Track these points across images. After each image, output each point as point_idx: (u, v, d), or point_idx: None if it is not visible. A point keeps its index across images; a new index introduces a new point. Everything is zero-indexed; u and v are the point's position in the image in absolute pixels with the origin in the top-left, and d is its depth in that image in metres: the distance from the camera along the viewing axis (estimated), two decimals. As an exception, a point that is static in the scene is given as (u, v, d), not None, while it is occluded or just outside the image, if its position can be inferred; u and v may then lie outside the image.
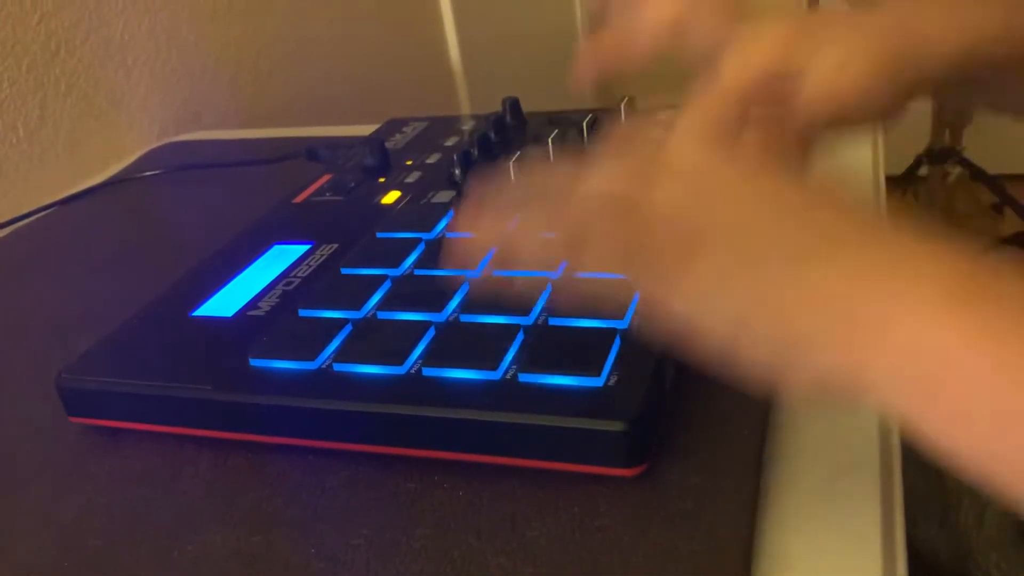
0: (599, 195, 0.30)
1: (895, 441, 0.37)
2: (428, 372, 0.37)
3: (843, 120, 0.37)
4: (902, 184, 1.89)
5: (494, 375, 0.36)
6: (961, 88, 0.41)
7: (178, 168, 0.78)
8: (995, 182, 1.86)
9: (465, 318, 0.40)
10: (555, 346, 0.37)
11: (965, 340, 0.24)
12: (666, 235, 0.28)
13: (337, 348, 0.39)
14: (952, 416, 0.24)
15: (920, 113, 1.95)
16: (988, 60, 0.38)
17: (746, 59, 0.38)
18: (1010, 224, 1.88)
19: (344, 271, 0.46)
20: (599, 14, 0.45)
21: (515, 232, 0.31)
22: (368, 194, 0.56)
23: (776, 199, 0.29)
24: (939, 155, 1.81)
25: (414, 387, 0.36)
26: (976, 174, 1.85)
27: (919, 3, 0.38)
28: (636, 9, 0.41)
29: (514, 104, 0.63)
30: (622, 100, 0.57)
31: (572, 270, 0.30)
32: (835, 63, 0.37)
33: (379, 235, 0.49)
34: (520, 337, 0.38)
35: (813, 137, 0.37)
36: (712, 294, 0.28)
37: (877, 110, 0.38)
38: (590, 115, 0.59)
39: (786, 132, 0.37)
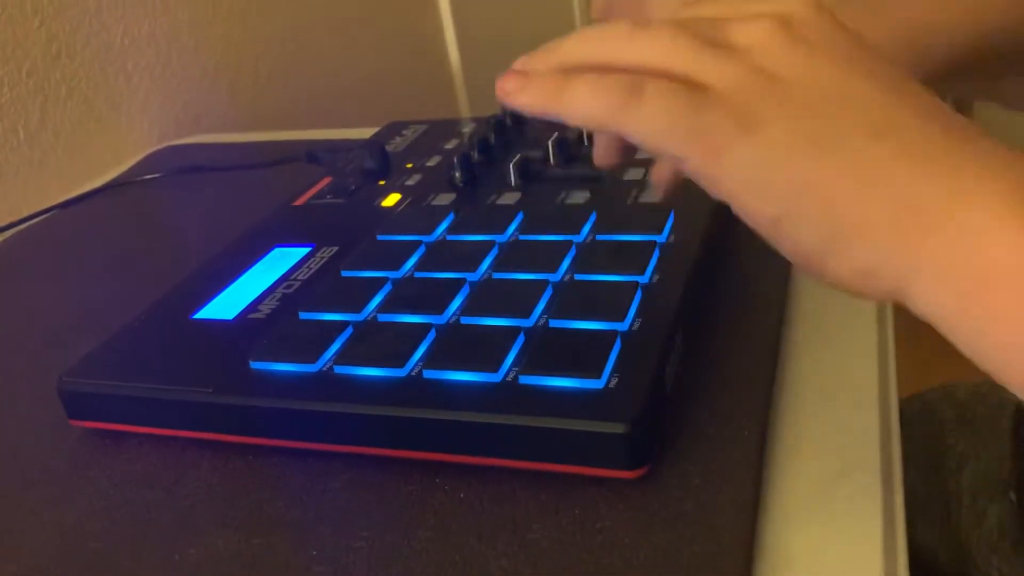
0: (667, 44, 0.28)
1: (896, 443, 0.37)
2: (429, 374, 0.37)
3: None
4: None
5: (495, 377, 0.36)
6: (965, 78, 0.41)
7: (178, 171, 0.78)
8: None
9: (466, 320, 0.40)
10: (556, 348, 0.37)
11: (1019, 244, 0.24)
12: (727, 99, 0.27)
13: (338, 351, 0.39)
14: (996, 314, 0.24)
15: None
16: (994, 49, 0.38)
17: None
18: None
19: (345, 274, 0.46)
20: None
21: (569, 72, 0.29)
22: (368, 197, 0.56)
23: (873, 69, 0.28)
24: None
25: (415, 389, 0.36)
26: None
27: None
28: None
29: (514, 107, 0.63)
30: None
31: (620, 128, 0.27)
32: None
33: (379, 238, 0.49)
34: (521, 339, 0.38)
35: None
36: (769, 168, 0.26)
37: None
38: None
39: None
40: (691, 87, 0.27)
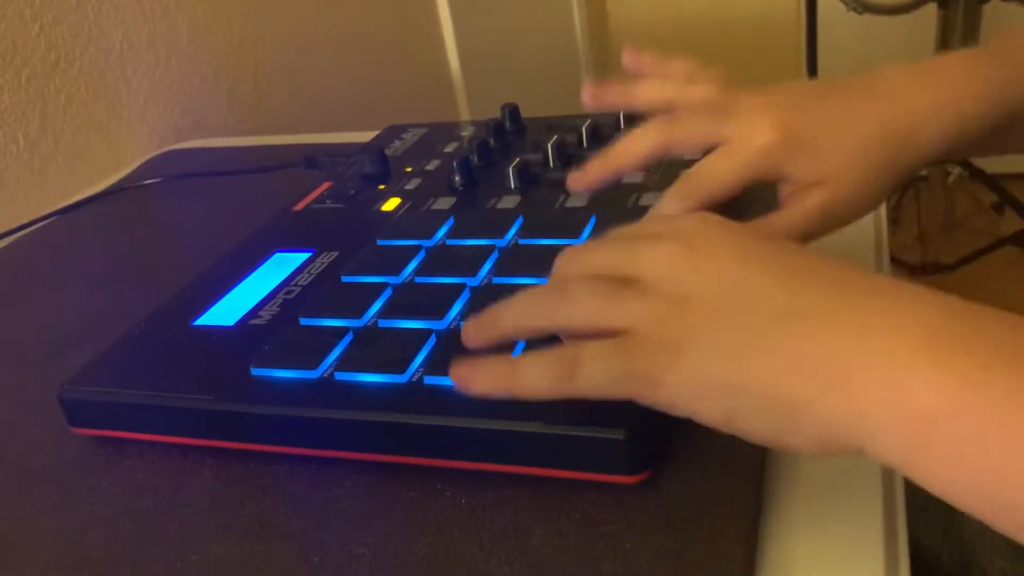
0: (586, 304, 0.31)
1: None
2: (430, 380, 0.37)
3: (828, 228, 0.40)
4: (902, 184, 1.89)
5: (495, 383, 0.36)
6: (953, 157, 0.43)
7: (178, 177, 0.78)
8: (995, 181, 1.87)
9: (466, 326, 0.40)
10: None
11: (948, 385, 0.25)
12: (649, 337, 0.30)
13: (338, 357, 0.39)
14: (944, 458, 0.25)
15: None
16: (976, 135, 0.40)
17: (731, 164, 0.40)
18: (1011, 223, 1.88)
19: (345, 279, 0.46)
20: (594, 109, 0.47)
21: (517, 360, 0.32)
22: (368, 201, 0.56)
23: (763, 257, 0.30)
24: (939, 156, 1.80)
25: (416, 395, 0.36)
26: (976, 174, 1.85)
27: (904, 81, 0.41)
28: (619, 143, 0.43)
29: (513, 110, 0.63)
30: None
31: (571, 394, 0.31)
32: (827, 166, 0.39)
33: (380, 242, 0.49)
34: (521, 345, 0.38)
35: (792, 230, 0.40)
36: (702, 384, 0.29)
37: (861, 212, 0.41)
38: (588, 121, 0.59)
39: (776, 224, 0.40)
40: (616, 340, 0.30)
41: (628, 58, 0.47)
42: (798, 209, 0.40)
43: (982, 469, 0.24)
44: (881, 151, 0.39)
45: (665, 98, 0.44)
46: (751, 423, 0.29)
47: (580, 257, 0.34)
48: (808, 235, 0.40)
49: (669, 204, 0.40)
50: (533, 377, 0.31)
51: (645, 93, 0.45)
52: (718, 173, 0.40)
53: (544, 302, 0.33)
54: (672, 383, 0.29)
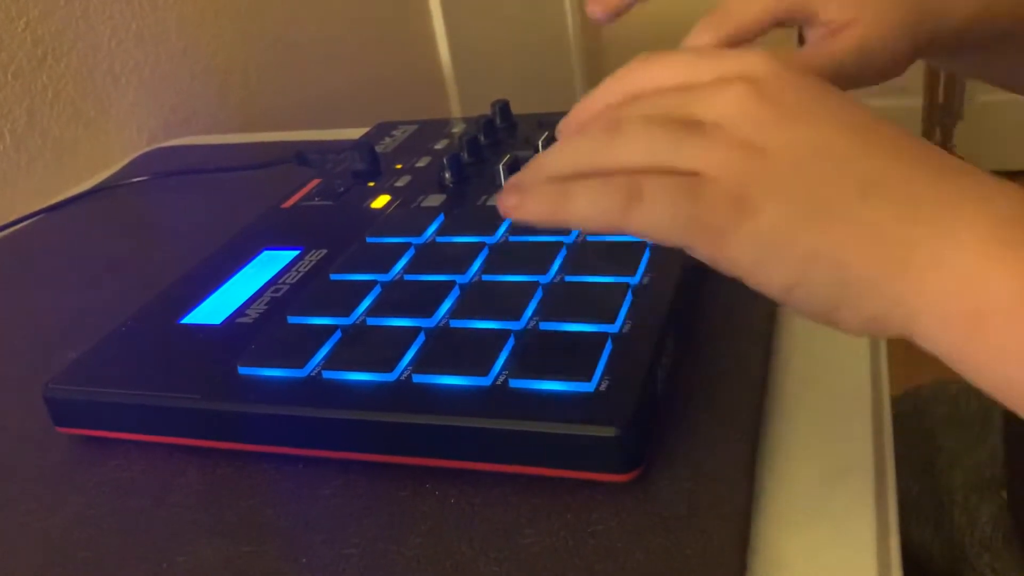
0: (647, 142, 0.29)
1: (889, 443, 0.37)
2: (418, 379, 0.36)
3: (860, 75, 0.38)
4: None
5: (485, 381, 0.35)
6: (968, 54, 0.41)
7: (166, 174, 0.77)
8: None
9: (455, 323, 0.39)
10: (546, 351, 0.36)
11: (1009, 278, 0.24)
12: (721, 184, 0.27)
13: (326, 355, 0.39)
14: (994, 351, 0.25)
15: (910, 112, 1.96)
16: (996, 21, 0.39)
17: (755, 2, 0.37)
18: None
19: (333, 277, 0.45)
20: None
21: (570, 184, 0.29)
22: (358, 198, 0.56)
23: (850, 121, 0.28)
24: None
25: (404, 394, 0.36)
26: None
27: None
28: None
29: (504, 107, 0.63)
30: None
31: (625, 230, 0.28)
32: (856, 7, 0.37)
33: (369, 240, 0.49)
34: (511, 342, 0.37)
35: (841, 76, 0.37)
36: (774, 245, 0.27)
37: (891, 65, 0.39)
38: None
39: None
40: (684, 178, 0.27)
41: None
42: (832, 46, 0.37)
43: None
44: (911, 5, 0.38)
45: None
46: (813, 295, 0.27)
47: (648, 65, 0.31)
48: (841, 75, 0.37)
49: (699, 35, 0.38)
50: (588, 205, 0.28)
51: None
52: (747, 9, 0.38)
53: (596, 142, 0.29)
54: (740, 240, 0.27)
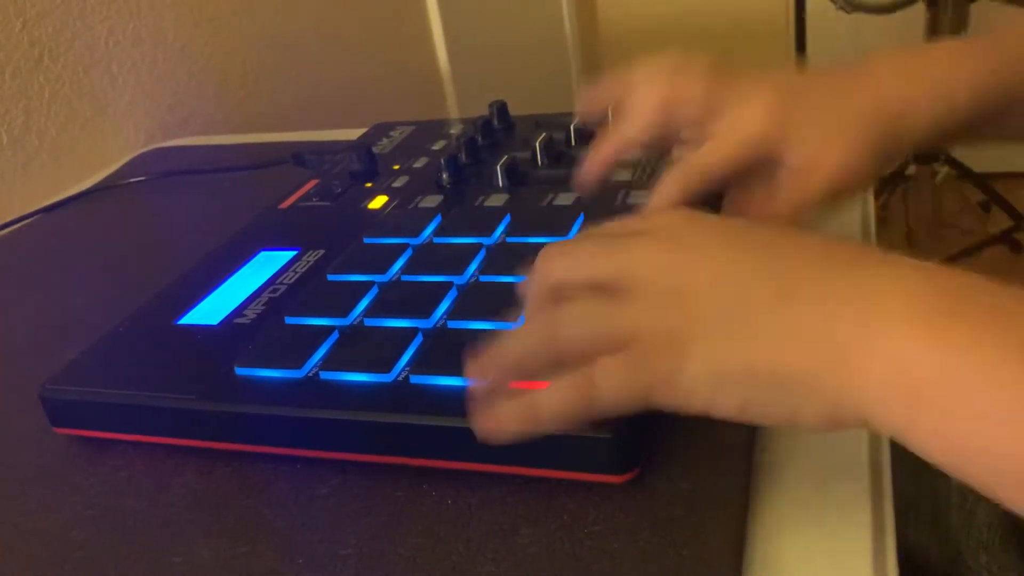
0: (583, 319, 0.31)
1: (885, 444, 0.37)
2: (415, 379, 0.36)
3: (830, 195, 0.40)
4: (890, 184, 1.90)
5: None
6: (945, 141, 0.43)
7: (164, 174, 0.77)
8: (982, 180, 1.87)
9: (453, 324, 0.39)
10: (543, 352, 0.36)
11: (941, 354, 0.25)
12: (654, 342, 0.30)
13: (324, 356, 0.39)
14: (939, 424, 0.26)
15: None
16: (968, 118, 0.40)
17: (728, 138, 0.40)
18: (997, 222, 1.89)
19: (331, 277, 0.45)
20: (588, 115, 0.47)
21: (532, 397, 0.32)
22: (355, 199, 0.56)
23: (750, 242, 0.31)
24: (926, 154, 1.82)
25: (402, 395, 0.36)
26: (963, 173, 1.86)
27: (894, 64, 0.41)
28: (625, 99, 0.43)
29: (501, 108, 0.63)
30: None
31: (592, 412, 0.31)
32: (822, 147, 0.40)
33: (366, 240, 0.49)
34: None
35: (797, 212, 0.40)
36: (716, 374, 0.29)
37: (861, 182, 0.41)
38: (577, 118, 0.58)
39: (767, 204, 0.41)
40: (625, 347, 0.30)
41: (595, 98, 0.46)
42: (798, 192, 0.40)
43: (973, 438, 0.25)
44: (873, 130, 0.40)
45: (660, 96, 0.44)
46: (765, 408, 0.29)
47: (561, 258, 0.33)
48: (810, 215, 0.40)
49: (667, 190, 0.40)
50: (554, 408, 0.31)
51: (640, 96, 0.44)
52: (712, 160, 0.40)
53: (539, 333, 0.32)
54: (688, 380, 0.29)
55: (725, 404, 0.29)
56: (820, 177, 0.40)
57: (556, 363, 0.31)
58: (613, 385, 0.30)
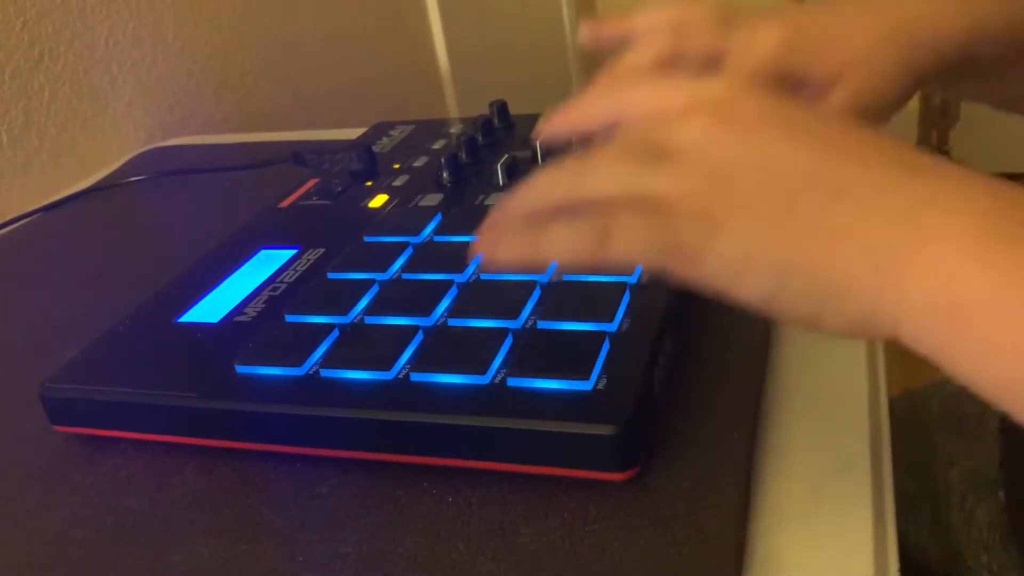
0: (616, 172, 0.29)
1: (886, 443, 0.37)
2: (416, 377, 0.36)
3: (863, 111, 0.38)
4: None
5: (483, 380, 0.35)
6: (959, 77, 0.41)
7: (164, 173, 0.77)
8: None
9: (453, 322, 0.39)
10: (544, 350, 0.36)
11: (994, 275, 0.24)
12: (687, 210, 0.28)
13: (324, 354, 0.39)
14: (979, 347, 0.25)
15: (906, 114, 1.96)
16: (989, 44, 0.39)
17: (743, 60, 0.38)
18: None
19: (331, 276, 0.45)
20: (592, 43, 0.44)
21: (543, 231, 0.30)
22: (355, 198, 0.56)
23: (814, 134, 0.28)
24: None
25: (402, 392, 0.36)
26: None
27: None
28: (630, 32, 0.41)
29: (501, 107, 0.63)
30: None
31: (601, 265, 0.29)
32: (846, 57, 0.37)
33: (366, 239, 0.49)
34: (508, 341, 0.37)
35: None
36: (747, 260, 0.27)
37: (889, 108, 0.39)
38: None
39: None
40: (652, 209, 0.28)
41: (599, 31, 0.43)
42: (826, 104, 0.38)
43: (1018, 367, 0.24)
44: (895, 44, 0.38)
45: (670, 18, 0.42)
46: (792, 304, 0.27)
47: (604, 105, 0.31)
48: None
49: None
50: (562, 246, 0.29)
51: (647, 20, 0.42)
52: (749, 57, 0.38)
53: (567, 173, 0.30)
54: (715, 257, 0.27)
55: (749, 291, 0.28)
56: (849, 88, 0.37)
57: (571, 212, 0.29)
58: (630, 239, 0.28)
